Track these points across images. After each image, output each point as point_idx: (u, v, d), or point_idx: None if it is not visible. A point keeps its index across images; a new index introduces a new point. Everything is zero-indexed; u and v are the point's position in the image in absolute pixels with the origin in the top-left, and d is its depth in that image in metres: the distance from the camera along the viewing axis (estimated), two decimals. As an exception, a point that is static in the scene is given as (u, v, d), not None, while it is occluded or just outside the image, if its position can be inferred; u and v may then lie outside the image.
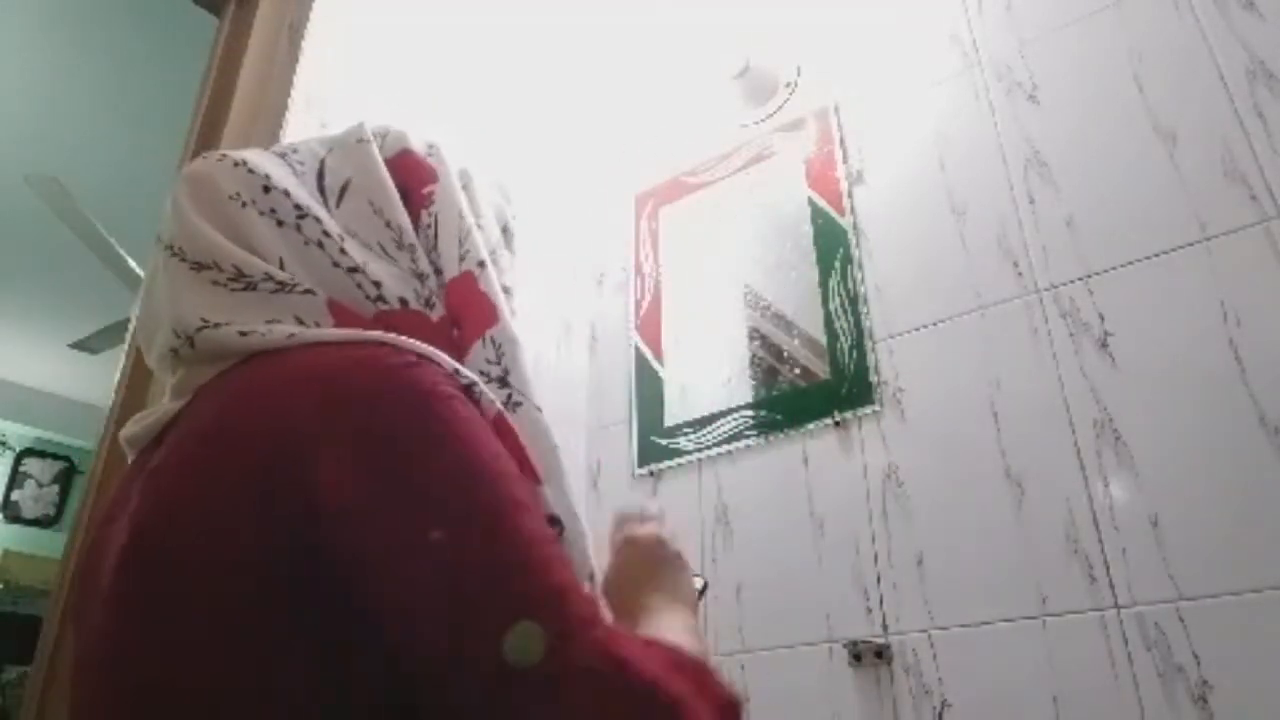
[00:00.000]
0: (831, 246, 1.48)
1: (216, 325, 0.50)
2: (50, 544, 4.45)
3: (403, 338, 0.48)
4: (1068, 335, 1.18)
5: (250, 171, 0.56)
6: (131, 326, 1.24)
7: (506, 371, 0.55)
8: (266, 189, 0.55)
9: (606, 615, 0.45)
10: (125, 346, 1.18)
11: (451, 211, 0.62)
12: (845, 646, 1.19)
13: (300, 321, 0.51)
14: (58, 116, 2.85)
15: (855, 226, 1.47)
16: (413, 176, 0.62)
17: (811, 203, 1.54)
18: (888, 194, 1.46)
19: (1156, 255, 1.15)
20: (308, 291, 0.52)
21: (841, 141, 1.56)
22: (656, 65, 1.95)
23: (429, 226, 0.60)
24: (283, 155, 0.60)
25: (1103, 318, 1.17)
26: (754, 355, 1.50)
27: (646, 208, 1.81)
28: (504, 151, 1.72)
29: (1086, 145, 1.27)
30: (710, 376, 1.54)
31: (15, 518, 4.64)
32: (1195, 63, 1.21)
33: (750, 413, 1.46)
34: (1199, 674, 0.96)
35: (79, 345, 3.56)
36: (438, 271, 0.58)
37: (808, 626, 1.25)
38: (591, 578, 0.55)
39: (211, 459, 0.44)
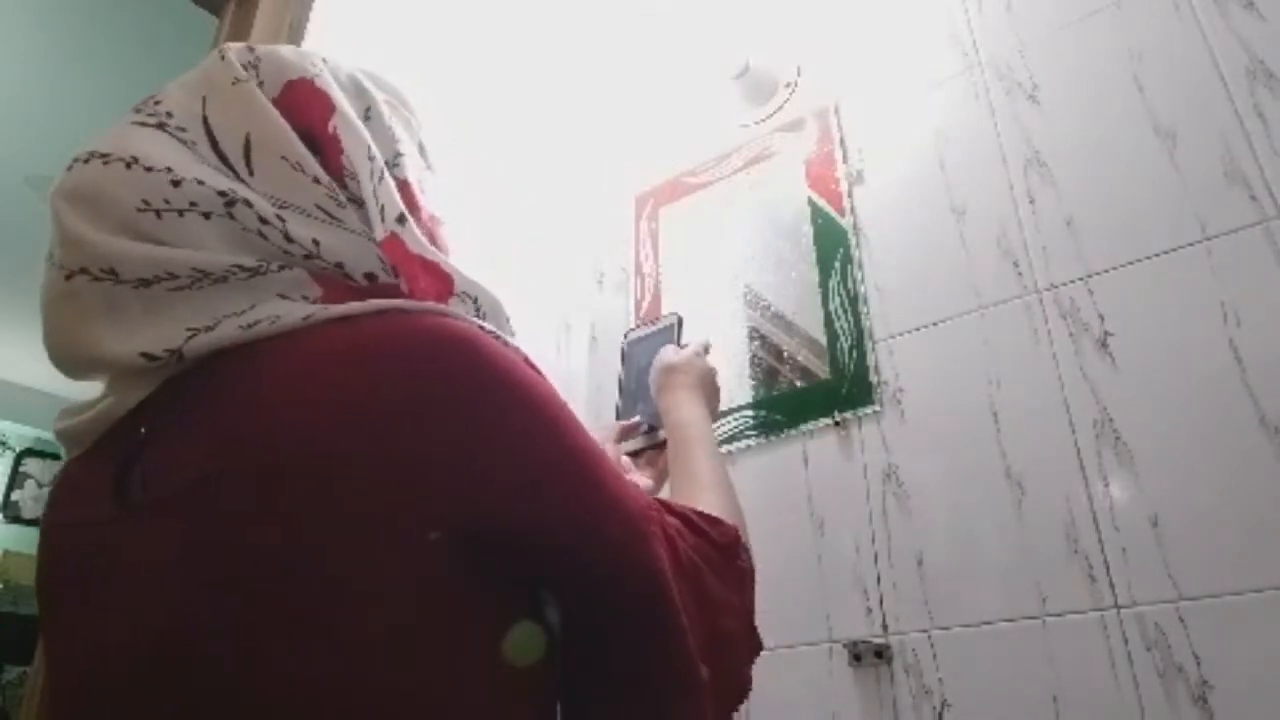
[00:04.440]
0: (831, 246, 1.48)
1: (208, 328, 0.45)
2: (50, 544, 4.44)
3: (431, 304, 0.48)
4: (1068, 335, 1.18)
5: (148, 170, 0.47)
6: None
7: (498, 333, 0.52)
8: (176, 183, 0.47)
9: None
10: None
11: (360, 151, 0.53)
12: (845, 646, 1.19)
13: (286, 298, 0.47)
14: (58, 117, 2.85)
15: (855, 226, 1.47)
16: (311, 112, 0.52)
17: (811, 203, 1.54)
18: (888, 194, 1.46)
19: (1156, 255, 1.15)
20: (284, 267, 0.48)
21: (841, 141, 1.56)
22: (656, 65, 1.95)
23: (353, 176, 0.52)
24: (161, 126, 0.50)
25: (1103, 318, 1.17)
26: (754, 355, 1.50)
27: (646, 208, 1.81)
28: (504, 152, 1.72)
29: (1086, 145, 1.27)
30: (710, 376, 1.54)
31: (15, 518, 4.65)
32: (1195, 63, 1.21)
33: (750, 413, 1.46)
34: (1199, 674, 0.96)
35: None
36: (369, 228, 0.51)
37: (808, 626, 1.25)
38: None
39: (294, 468, 0.41)
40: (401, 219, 0.52)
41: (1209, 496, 1.02)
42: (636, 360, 0.93)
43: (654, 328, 0.94)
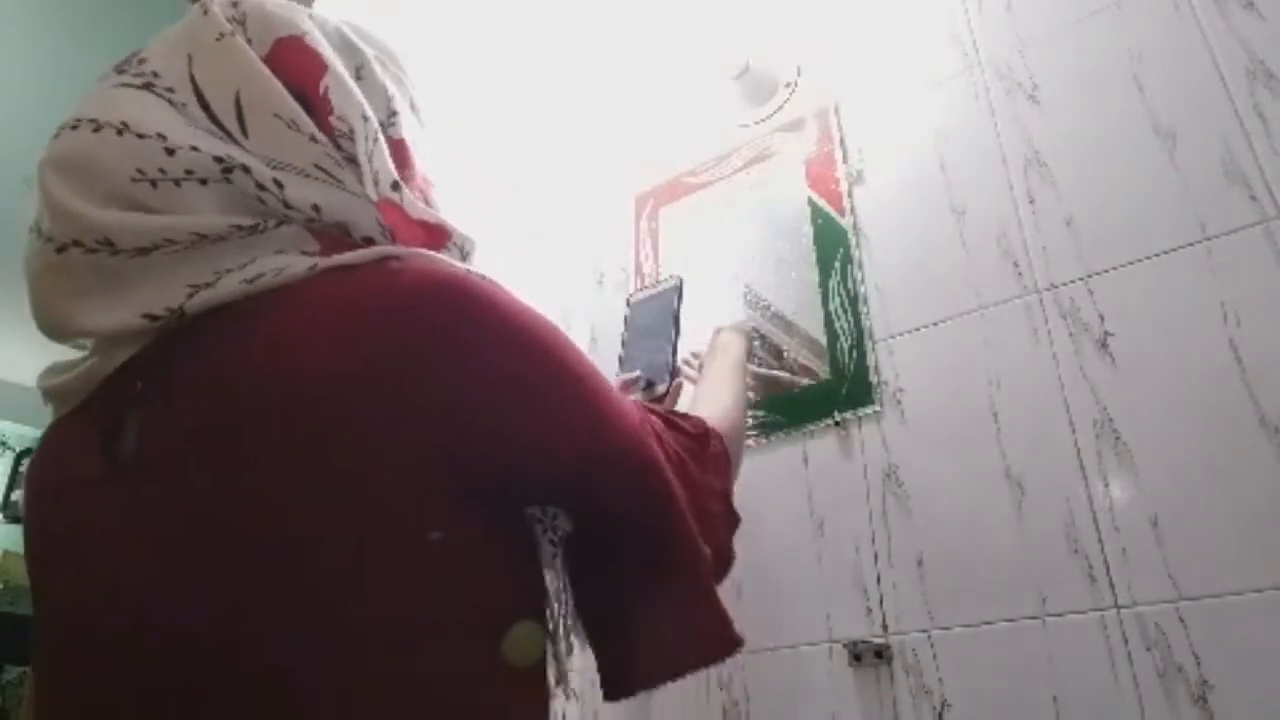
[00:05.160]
0: (831, 246, 1.48)
1: (210, 284, 0.45)
2: (50, 544, 4.44)
3: (421, 250, 0.49)
4: (1068, 335, 1.18)
5: (140, 136, 0.46)
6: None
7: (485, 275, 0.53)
8: (170, 151, 0.46)
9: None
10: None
11: (354, 111, 0.52)
12: (845, 646, 1.19)
13: (284, 253, 0.46)
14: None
15: (855, 226, 1.47)
16: (302, 71, 0.51)
17: (811, 203, 1.54)
18: (888, 194, 1.46)
19: (1156, 255, 1.15)
20: (281, 224, 0.47)
21: (841, 141, 1.55)
22: (656, 65, 1.95)
23: (347, 136, 0.51)
24: (148, 86, 0.49)
25: (1103, 318, 1.17)
26: (754, 355, 1.50)
27: (646, 208, 1.81)
28: (504, 152, 1.72)
29: (1086, 145, 1.26)
30: (710, 376, 1.54)
31: (15, 518, 4.64)
32: (1195, 63, 1.21)
33: (750, 413, 1.46)
34: (1199, 674, 0.96)
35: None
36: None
37: (808, 626, 1.25)
38: None
39: (301, 415, 0.41)
40: (396, 185, 0.52)
41: (1209, 496, 1.02)
42: (638, 320, 0.98)
43: (656, 289, 0.98)
